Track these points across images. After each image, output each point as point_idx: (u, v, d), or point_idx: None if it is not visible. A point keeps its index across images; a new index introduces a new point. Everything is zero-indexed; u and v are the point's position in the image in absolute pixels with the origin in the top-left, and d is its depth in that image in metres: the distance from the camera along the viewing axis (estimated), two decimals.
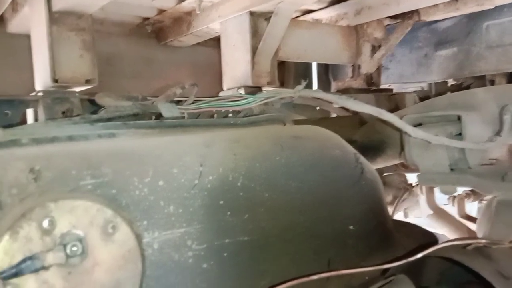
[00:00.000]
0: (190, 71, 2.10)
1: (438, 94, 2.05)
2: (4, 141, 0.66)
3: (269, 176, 0.80)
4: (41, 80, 1.30)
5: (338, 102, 0.99)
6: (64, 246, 0.54)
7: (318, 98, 1.16)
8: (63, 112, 1.19)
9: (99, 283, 0.57)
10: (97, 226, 0.57)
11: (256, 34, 1.53)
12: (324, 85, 2.42)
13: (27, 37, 1.40)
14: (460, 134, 1.06)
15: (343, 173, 0.92)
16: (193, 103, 1.07)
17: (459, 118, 1.06)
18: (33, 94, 1.25)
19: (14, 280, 0.49)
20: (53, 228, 0.54)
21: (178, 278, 0.65)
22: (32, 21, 1.34)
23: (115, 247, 0.58)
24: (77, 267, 0.55)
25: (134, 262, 0.60)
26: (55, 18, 1.26)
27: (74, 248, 0.54)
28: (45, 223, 0.53)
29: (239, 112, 1.07)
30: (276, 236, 0.78)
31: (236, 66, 1.58)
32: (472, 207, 2.10)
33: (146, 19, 1.85)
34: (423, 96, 1.98)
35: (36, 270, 0.50)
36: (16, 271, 0.49)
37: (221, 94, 1.61)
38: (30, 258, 0.50)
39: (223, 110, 1.06)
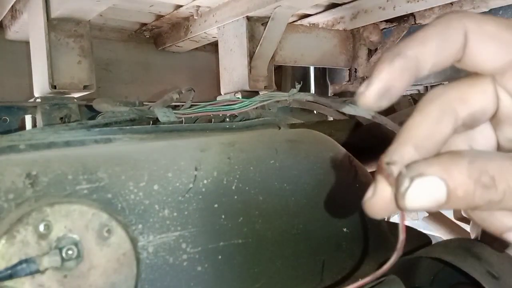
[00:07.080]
0: (188, 76, 2.11)
1: None
2: (2, 147, 0.67)
3: (263, 179, 0.81)
4: (40, 86, 1.31)
5: (332, 106, 1.01)
6: (60, 250, 0.54)
7: (313, 102, 1.17)
8: (61, 118, 1.20)
9: (94, 286, 0.57)
10: (93, 230, 0.58)
11: (253, 39, 1.54)
12: (322, 88, 2.43)
13: (26, 43, 1.41)
14: None
15: (337, 175, 0.93)
16: (190, 107, 1.08)
17: None
18: (31, 100, 1.26)
19: (10, 283, 0.50)
20: (49, 232, 0.55)
21: (173, 281, 0.66)
22: (31, 28, 1.35)
23: (110, 250, 0.59)
24: (73, 271, 0.56)
25: (129, 266, 0.61)
26: (53, 24, 1.27)
27: (70, 252, 0.55)
28: (41, 227, 0.54)
29: (236, 116, 1.08)
30: (271, 239, 0.79)
31: (233, 71, 1.60)
32: None
33: (144, 24, 1.87)
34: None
35: (31, 273, 0.51)
36: (11, 273, 0.50)
37: (218, 98, 1.62)
38: (26, 261, 0.51)
39: (220, 114, 1.07)
